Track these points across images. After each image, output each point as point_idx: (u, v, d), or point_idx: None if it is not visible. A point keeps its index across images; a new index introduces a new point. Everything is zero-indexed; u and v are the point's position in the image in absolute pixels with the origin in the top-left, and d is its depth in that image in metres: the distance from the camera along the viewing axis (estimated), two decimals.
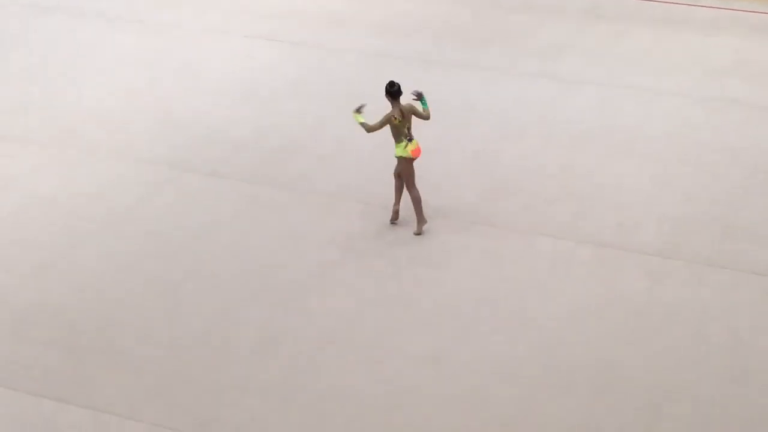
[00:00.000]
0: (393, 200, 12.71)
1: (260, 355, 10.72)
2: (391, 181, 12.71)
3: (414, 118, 12.30)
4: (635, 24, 18.71)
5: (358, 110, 12.28)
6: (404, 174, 12.44)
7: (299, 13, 19.07)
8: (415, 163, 12.47)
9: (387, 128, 12.23)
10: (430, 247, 12.41)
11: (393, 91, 12.13)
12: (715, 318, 11.32)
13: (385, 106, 12.24)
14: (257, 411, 10.01)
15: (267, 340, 10.93)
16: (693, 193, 13.56)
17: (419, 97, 12.34)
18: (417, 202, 12.48)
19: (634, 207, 13.24)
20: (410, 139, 12.27)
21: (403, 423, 9.92)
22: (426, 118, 12.37)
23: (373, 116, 12.38)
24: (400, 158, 12.35)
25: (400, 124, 12.14)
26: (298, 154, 14.40)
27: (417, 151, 12.33)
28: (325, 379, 10.40)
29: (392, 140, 12.36)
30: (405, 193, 12.66)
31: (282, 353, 10.76)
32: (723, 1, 19.60)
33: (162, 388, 10.25)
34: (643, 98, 16.01)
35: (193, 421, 9.88)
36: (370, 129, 12.17)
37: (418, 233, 12.56)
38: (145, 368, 10.51)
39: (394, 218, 12.73)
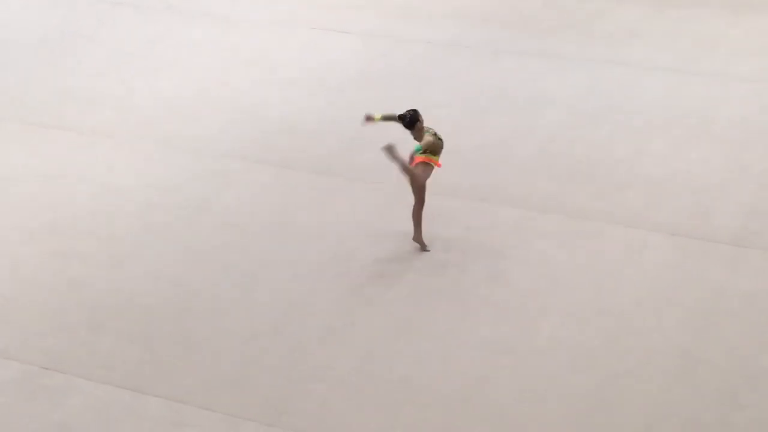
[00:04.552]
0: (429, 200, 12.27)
1: (334, 344, 10.78)
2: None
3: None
4: (706, 8, 18.49)
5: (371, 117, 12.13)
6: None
7: (367, 3, 19.10)
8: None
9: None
10: (501, 237, 12.38)
11: (406, 122, 11.96)
12: None
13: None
14: (331, 400, 10.06)
15: (341, 329, 10.98)
16: None
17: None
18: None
19: (708, 194, 13.11)
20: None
21: (478, 413, 9.91)
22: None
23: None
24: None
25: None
26: (368, 144, 14.40)
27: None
28: (398, 369, 10.42)
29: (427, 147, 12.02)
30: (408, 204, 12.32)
31: (355, 343, 10.81)
32: None
33: (238, 378, 10.34)
34: (717, 83, 15.83)
35: (267, 411, 9.94)
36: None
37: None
38: (221, 358, 10.61)
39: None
